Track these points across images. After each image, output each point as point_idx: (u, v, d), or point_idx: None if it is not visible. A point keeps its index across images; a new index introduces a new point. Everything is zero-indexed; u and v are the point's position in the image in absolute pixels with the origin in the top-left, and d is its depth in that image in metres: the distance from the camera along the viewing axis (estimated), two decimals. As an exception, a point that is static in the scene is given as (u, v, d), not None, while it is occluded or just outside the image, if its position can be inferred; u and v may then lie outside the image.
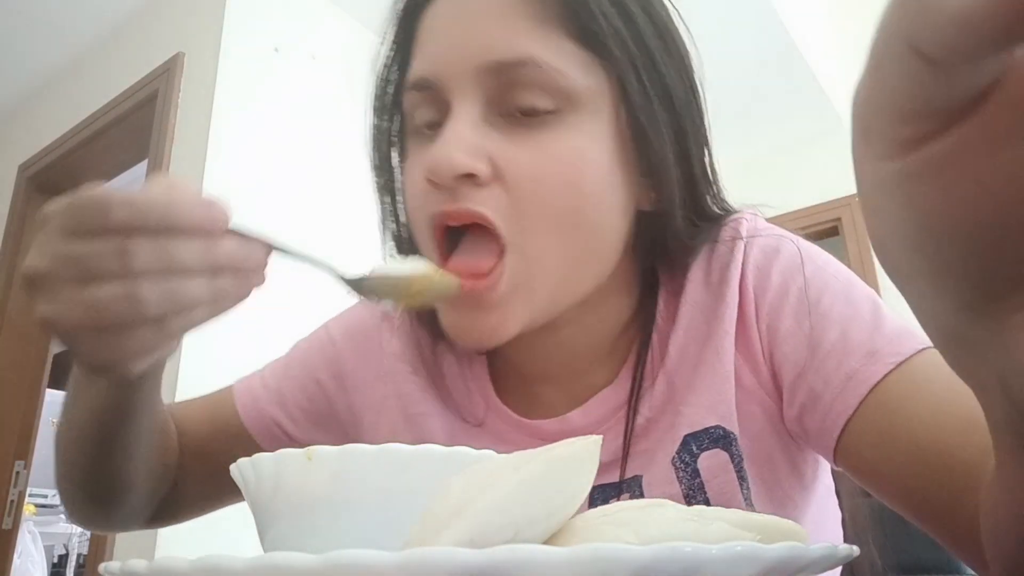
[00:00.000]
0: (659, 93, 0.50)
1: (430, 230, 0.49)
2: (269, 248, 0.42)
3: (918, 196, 0.19)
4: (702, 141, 0.54)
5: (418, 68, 0.51)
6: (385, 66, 0.57)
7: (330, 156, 2.41)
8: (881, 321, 0.48)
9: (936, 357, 0.44)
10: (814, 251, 0.54)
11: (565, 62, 0.48)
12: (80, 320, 0.38)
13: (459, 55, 0.48)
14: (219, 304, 0.41)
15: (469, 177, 0.46)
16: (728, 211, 0.57)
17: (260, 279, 0.42)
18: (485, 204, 0.47)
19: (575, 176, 0.48)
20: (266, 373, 0.67)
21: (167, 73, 2.40)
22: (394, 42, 0.57)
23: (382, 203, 0.59)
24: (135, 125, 2.53)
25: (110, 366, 0.41)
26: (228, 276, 0.40)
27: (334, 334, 0.67)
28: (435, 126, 0.50)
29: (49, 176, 2.88)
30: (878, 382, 0.46)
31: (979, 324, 0.20)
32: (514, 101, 0.48)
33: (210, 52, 2.30)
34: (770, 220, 0.59)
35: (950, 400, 0.42)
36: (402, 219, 0.58)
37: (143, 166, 2.47)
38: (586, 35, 0.48)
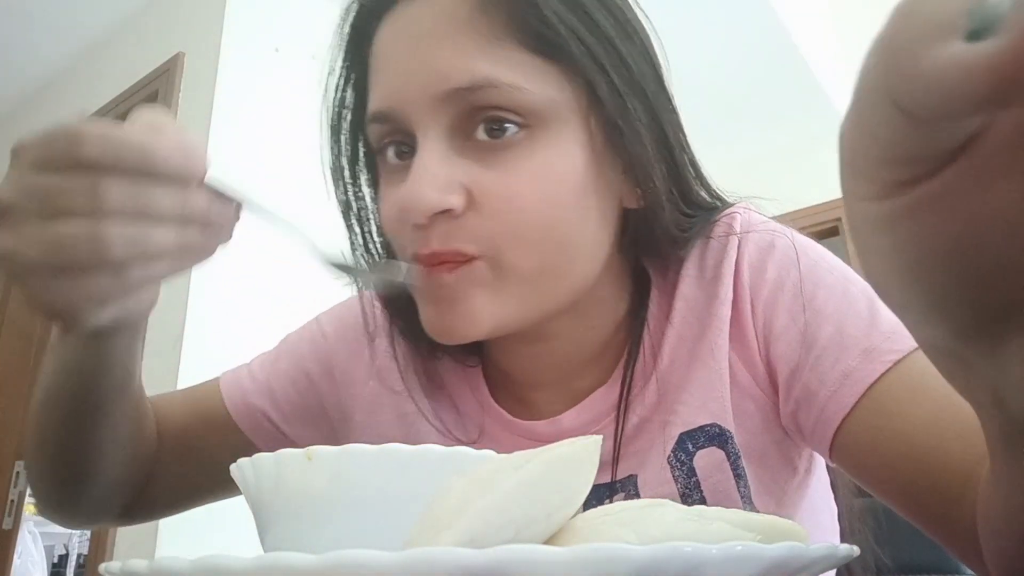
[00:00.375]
0: (631, 88, 0.49)
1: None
2: (240, 205, 0.41)
3: (909, 235, 0.19)
4: (678, 128, 0.53)
5: (377, 101, 0.49)
6: (337, 92, 0.56)
7: (330, 156, 2.41)
8: (877, 317, 0.48)
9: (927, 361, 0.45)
10: (809, 245, 0.53)
11: (524, 77, 0.46)
12: (37, 257, 0.36)
13: (415, 86, 0.47)
14: (183, 258, 0.39)
15: (444, 212, 0.46)
16: (719, 199, 0.56)
17: (228, 236, 0.41)
18: (459, 238, 0.46)
19: (549, 193, 0.47)
20: (254, 365, 0.65)
21: (167, 73, 2.40)
22: (345, 67, 0.56)
23: (350, 232, 0.58)
24: (135, 125, 2.53)
25: (63, 312, 0.39)
26: (196, 229, 0.39)
27: (325, 328, 0.66)
28: (403, 154, 0.49)
29: (49, 176, 2.88)
30: (874, 382, 0.45)
31: (972, 348, 0.21)
32: (478, 124, 0.46)
33: (210, 52, 2.30)
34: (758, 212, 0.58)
35: (947, 403, 0.42)
36: (371, 240, 0.58)
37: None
38: (542, 44, 0.47)
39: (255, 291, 2.12)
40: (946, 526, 0.41)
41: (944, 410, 0.42)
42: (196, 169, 0.38)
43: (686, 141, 0.53)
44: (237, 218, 0.41)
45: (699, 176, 0.55)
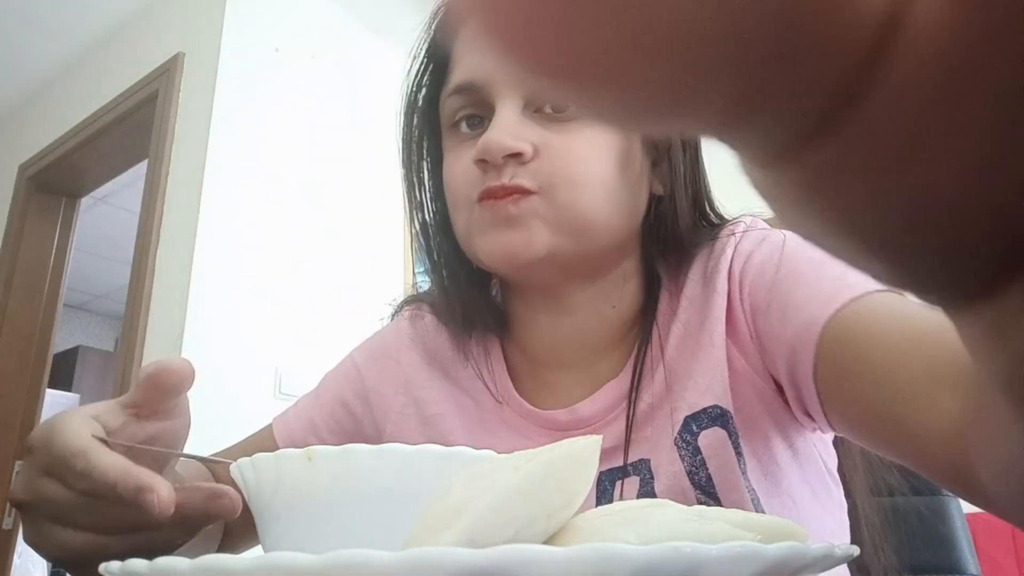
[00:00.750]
0: None
1: (473, 203, 0.56)
2: (237, 505, 0.44)
3: (811, 211, 0.13)
4: (699, 144, 0.61)
5: (463, 75, 0.59)
6: (418, 75, 0.65)
7: (330, 155, 2.41)
8: (848, 273, 0.48)
9: (892, 296, 0.45)
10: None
11: None
12: (56, 556, 0.42)
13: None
14: (190, 536, 0.44)
15: (515, 156, 0.54)
16: (725, 219, 0.62)
17: (229, 507, 0.44)
18: (523, 177, 0.55)
19: (601, 155, 0.56)
20: (299, 405, 0.72)
21: (167, 73, 2.40)
22: (426, 58, 0.64)
23: (411, 195, 0.66)
24: (135, 125, 2.53)
25: None
26: (197, 522, 0.43)
27: (357, 360, 0.72)
28: (475, 125, 0.59)
29: (49, 176, 2.88)
30: (829, 319, 0.46)
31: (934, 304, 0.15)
32: (547, 101, 0.56)
33: (210, 52, 2.30)
34: (767, 220, 0.62)
35: (906, 327, 0.42)
36: (427, 209, 0.66)
37: (143, 166, 2.46)
38: None
39: (255, 291, 2.12)
40: (917, 447, 0.40)
41: (904, 332, 0.42)
42: (161, 506, 0.40)
43: (703, 162, 0.61)
44: (236, 506, 0.44)
45: (709, 194, 0.62)
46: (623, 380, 0.60)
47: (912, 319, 0.43)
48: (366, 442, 0.65)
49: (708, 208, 0.62)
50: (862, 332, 0.45)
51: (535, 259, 0.55)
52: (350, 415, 0.69)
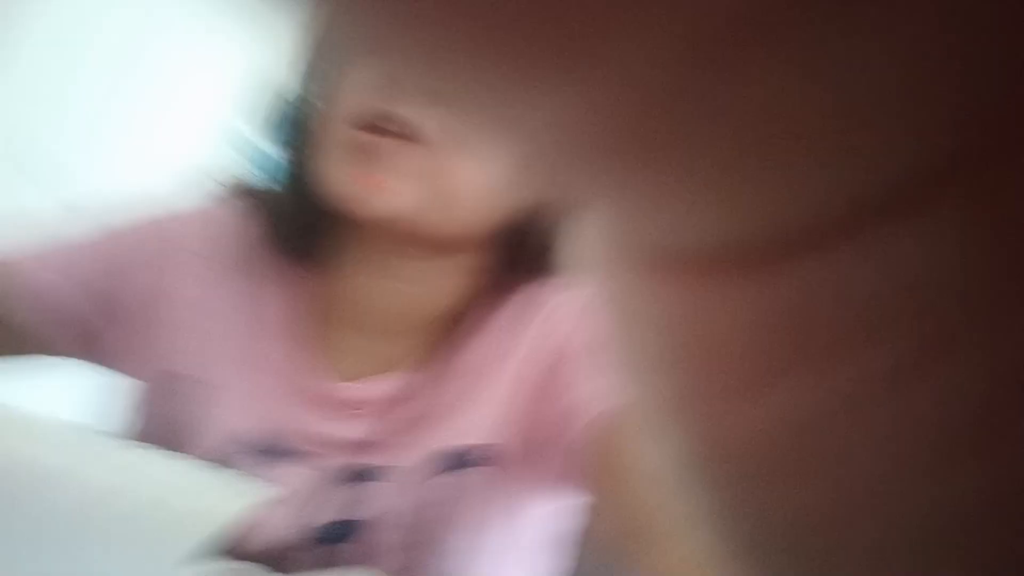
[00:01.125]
0: None
1: (348, 127, 0.51)
2: None
3: None
4: None
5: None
6: None
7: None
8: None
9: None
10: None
11: None
12: None
13: None
14: None
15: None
16: None
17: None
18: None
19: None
20: (68, 250, 0.60)
21: None
22: None
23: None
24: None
25: None
26: None
27: (146, 233, 0.60)
28: None
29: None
30: (597, 414, 0.47)
31: None
32: None
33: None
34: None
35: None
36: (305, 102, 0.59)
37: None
38: None
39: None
40: None
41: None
42: None
43: None
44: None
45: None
46: (410, 376, 0.56)
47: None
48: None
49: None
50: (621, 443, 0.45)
51: (392, 214, 0.50)
52: (108, 301, 0.57)
